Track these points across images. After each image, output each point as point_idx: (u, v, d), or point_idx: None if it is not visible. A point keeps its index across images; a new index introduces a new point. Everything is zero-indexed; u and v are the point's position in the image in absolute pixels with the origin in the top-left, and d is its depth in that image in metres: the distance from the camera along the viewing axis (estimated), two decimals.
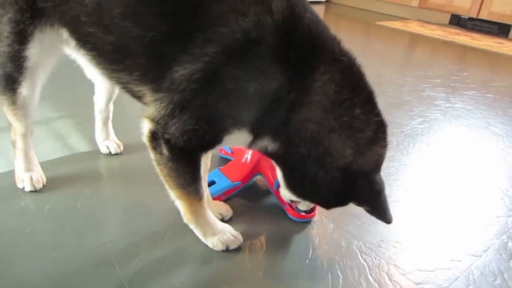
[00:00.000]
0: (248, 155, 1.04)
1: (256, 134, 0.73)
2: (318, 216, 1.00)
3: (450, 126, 1.64)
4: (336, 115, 0.70)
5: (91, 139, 1.27)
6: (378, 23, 3.88)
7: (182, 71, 0.67)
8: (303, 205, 0.94)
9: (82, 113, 1.44)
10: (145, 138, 0.76)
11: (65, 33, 0.80)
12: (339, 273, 0.83)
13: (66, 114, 1.43)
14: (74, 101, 1.54)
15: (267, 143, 0.74)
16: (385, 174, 1.21)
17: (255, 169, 1.03)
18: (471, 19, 3.86)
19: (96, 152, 1.20)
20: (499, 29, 3.71)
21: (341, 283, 0.80)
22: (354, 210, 1.03)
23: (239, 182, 1.01)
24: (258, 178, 1.08)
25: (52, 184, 1.02)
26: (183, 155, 0.75)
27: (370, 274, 0.83)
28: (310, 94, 0.68)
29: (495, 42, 3.40)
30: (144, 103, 0.76)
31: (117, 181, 1.09)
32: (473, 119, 1.74)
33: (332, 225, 0.97)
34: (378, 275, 0.83)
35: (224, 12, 0.65)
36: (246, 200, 1.04)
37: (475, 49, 3.16)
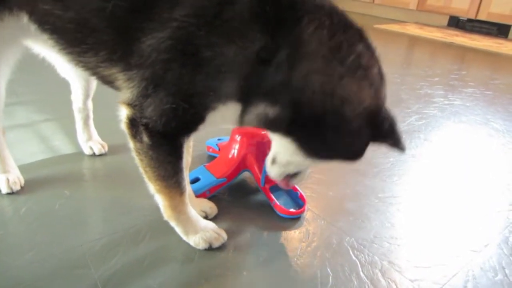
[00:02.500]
0: (235, 150, 1.00)
1: (247, 102, 0.64)
2: (309, 213, 0.95)
3: (448, 123, 1.60)
4: (340, 59, 0.62)
5: (76, 141, 1.24)
6: (376, 26, 3.86)
7: (150, 41, 0.60)
8: (297, 179, 0.84)
9: (68, 116, 1.40)
10: (123, 126, 0.70)
11: (25, 18, 0.71)
12: (329, 270, 0.78)
13: (52, 116, 1.40)
14: (60, 103, 1.51)
15: (265, 109, 0.64)
16: (380, 170, 1.17)
17: (242, 165, 0.99)
18: (469, 20, 3.83)
19: (80, 153, 1.16)
20: (498, 30, 3.68)
21: (330, 281, 0.75)
22: (346, 206, 0.98)
23: (225, 178, 0.97)
24: (245, 174, 1.03)
25: (31, 186, 0.98)
26: (163, 141, 0.69)
27: (362, 271, 0.78)
28: (303, 46, 0.61)
29: (495, 43, 3.36)
30: (118, 89, 0.69)
31: (99, 181, 1.04)
32: (472, 115, 1.69)
33: (323, 222, 0.92)
34: (371, 272, 0.78)
35: None
36: (233, 197, 0.99)
37: (475, 49, 3.12)
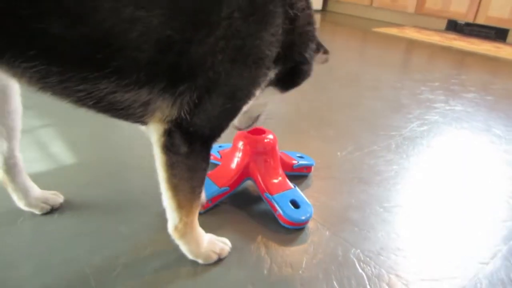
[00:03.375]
0: (238, 158, 0.98)
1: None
2: (313, 223, 0.93)
3: (450, 129, 1.59)
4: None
5: (74, 147, 1.21)
6: (374, 29, 3.86)
7: (202, 48, 0.57)
8: (243, 122, 0.91)
9: (67, 121, 1.39)
10: (157, 144, 0.65)
11: None
12: (335, 284, 0.76)
13: (51, 122, 1.38)
14: (60, 108, 1.49)
15: (273, 73, 0.72)
16: (384, 178, 1.15)
17: (245, 173, 0.97)
18: (468, 24, 3.83)
19: (79, 161, 1.14)
20: (496, 34, 3.69)
21: None
22: (350, 216, 0.97)
23: (227, 187, 0.95)
24: (248, 182, 1.01)
25: None
26: (202, 147, 0.67)
27: (369, 285, 0.76)
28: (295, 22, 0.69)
29: (493, 47, 3.37)
30: (131, 115, 0.61)
31: (99, 191, 1.02)
32: (474, 121, 1.68)
33: (327, 233, 0.90)
34: (378, 286, 0.76)
35: None
36: (235, 206, 0.97)
37: (473, 53, 3.13)
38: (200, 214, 0.92)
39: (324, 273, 0.78)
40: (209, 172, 0.99)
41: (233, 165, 0.98)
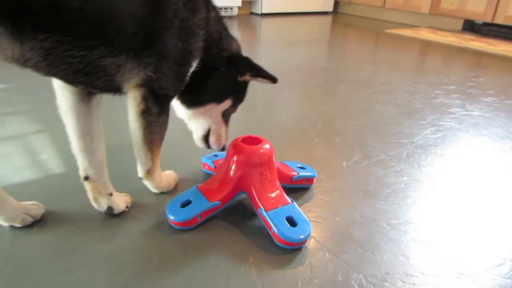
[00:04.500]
0: (231, 170, 0.90)
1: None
2: (312, 243, 0.84)
3: (467, 136, 1.47)
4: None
5: (64, 154, 1.16)
6: (387, 31, 3.74)
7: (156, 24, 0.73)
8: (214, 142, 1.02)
9: (60, 128, 1.34)
10: (135, 109, 0.80)
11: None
12: None
13: (44, 128, 1.33)
14: (54, 115, 1.44)
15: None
16: (393, 191, 1.06)
17: (238, 187, 0.89)
18: (486, 24, 3.68)
19: (64, 171, 1.08)
20: None
21: None
22: (354, 234, 0.88)
23: (219, 202, 0.87)
24: (242, 196, 0.93)
25: None
26: (168, 105, 0.85)
27: None
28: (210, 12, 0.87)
29: None
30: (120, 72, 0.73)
31: (83, 199, 0.96)
32: (493, 127, 1.56)
33: (327, 254, 0.82)
34: None
35: None
36: (227, 221, 0.89)
37: (492, 54, 2.98)
38: (188, 229, 0.85)
39: None
40: (200, 185, 0.92)
41: (225, 177, 0.90)
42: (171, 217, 0.85)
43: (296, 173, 1.01)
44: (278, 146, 1.22)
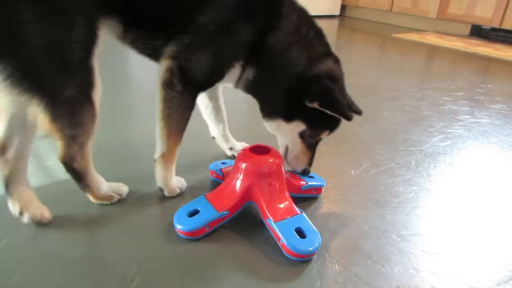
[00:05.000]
0: (239, 180, 0.89)
1: (244, 67, 0.91)
2: (321, 254, 0.83)
3: (476, 144, 1.46)
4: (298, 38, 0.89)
5: None
6: (394, 35, 3.73)
7: (204, 18, 0.84)
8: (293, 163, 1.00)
9: None
10: (161, 76, 0.87)
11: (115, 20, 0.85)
12: None
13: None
14: None
15: (248, 73, 0.91)
16: (402, 201, 1.05)
17: (246, 196, 0.88)
18: (493, 29, 3.66)
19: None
20: None
21: None
22: (363, 246, 0.87)
23: (227, 211, 0.87)
24: (250, 206, 0.93)
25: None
26: (192, 92, 0.90)
27: None
28: (277, 26, 0.88)
29: None
30: (165, 48, 0.87)
31: (89, 207, 0.95)
32: (503, 135, 1.54)
33: (336, 266, 0.80)
34: None
35: None
36: (235, 231, 0.88)
37: (500, 60, 2.96)
38: (196, 239, 0.85)
39: None
40: (207, 194, 0.91)
41: (234, 187, 0.89)
42: (179, 227, 0.84)
43: (304, 183, 1.00)
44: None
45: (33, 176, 1.07)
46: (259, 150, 0.93)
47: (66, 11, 0.72)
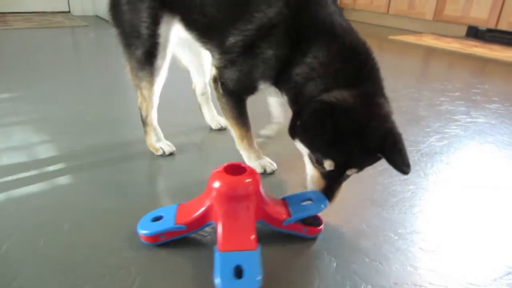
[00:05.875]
0: (206, 198, 0.83)
1: (277, 86, 0.98)
2: (319, 253, 0.84)
3: (473, 143, 1.47)
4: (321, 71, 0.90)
5: (71, 165, 1.17)
6: (391, 37, 3.75)
7: (232, 40, 0.98)
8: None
9: (66, 136, 1.35)
10: (210, 80, 1.10)
11: (176, 18, 1.11)
12: None
13: (50, 138, 1.34)
14: (61, 123, 1.46)
15: (284, 94, 0.97)
16: (399, 200, 1.06)
17: (207, 216, 0.82)
18: (489, 30, 3.68)
19: (70, 182, 1.09)
20: None
21: None
22: (361, 244, 0.88)
23: (184, 226, 0.83)
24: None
25: (15, 220, 0.91)
26: (231, 96, 1.05)
27: None
28: (304, 57, 0.91)
29: None
30: (213, 56, 1.08)
31: (91, 210, 0.96)
32: (499, 134, 1.56)
33: (334, 264, 0.81)
34: None
35: (259, 4, 0.94)
36: None
37: (496, 61, 2.98)
38: (153, 245, 0.84)
39: None
40: (181, 203, 0.89)
41: (198, 204, 0.84)
42: (138, 229, 0.84)
43: (286, 216, 0.86)
44: (284, 157, 1.23)
45: (34, 182, 1.08)
46: (236, 170, 0.84)
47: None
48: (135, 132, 1.38)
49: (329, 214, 0.99)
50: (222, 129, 1.46)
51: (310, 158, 0.91)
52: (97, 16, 3.95)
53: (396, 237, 0.91)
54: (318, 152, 0.86)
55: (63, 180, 1.09)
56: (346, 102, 0.82)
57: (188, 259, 0.81)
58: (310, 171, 0.93)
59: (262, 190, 0.84)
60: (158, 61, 1.13)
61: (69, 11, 3.98)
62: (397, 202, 1.05)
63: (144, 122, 1.23)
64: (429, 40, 3.61)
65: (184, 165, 1.21)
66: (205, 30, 1.07)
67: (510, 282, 0.79)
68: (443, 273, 0.81)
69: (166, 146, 1.26)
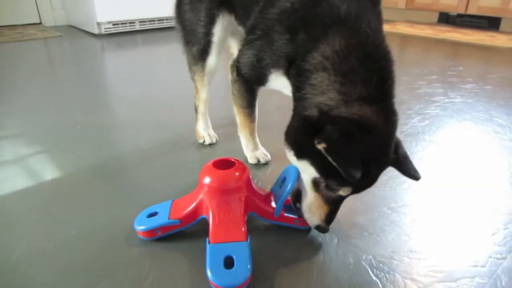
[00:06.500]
0: (197, 192, 0.86)
1: (288, 76, 0.91)
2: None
3: (452, 122, 1.56)
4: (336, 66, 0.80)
5: (69, 172, 1.18)
6: None
7: (254, 22, 0.97)
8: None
9: (59, 147, 1.35)
10: (230, 66, 1.34)
11: (231, 16, 1.17)
12: None
13: (42, 148, 1.32)
14: (51, 133, 1.45)
15: (291, 84, 0.90)
16: (389, 178, 1.12)
17: (199, 210, 0.85)
18: (460, 15, 3.82)
19: (69, 192, 1.11)
20: (489, 23, 3.67)
21: None
22: (358, 220, 0.94)
23: (178, 221, 0.85)
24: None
25: (18, 227, 0.93)
26: (243, 82, 1.05)
27: None
28: (317, 46, 0.82)
29: (487, 36, 3.35)
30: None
31: (85, 225, 0.99)
32: (475, 112, 1.65)
33: (336, 240, 0.87)
34: None
35: None
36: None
37: (468, 44, 3.11)
38: (149, 240, 0.87)
39: (336, 284, 0.75)
40: (175, 200, 0.92)
41: (191, 198, 0.87)
42: (134, 225, 0.88)
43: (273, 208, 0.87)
44: (278, 146, 1.28)
45: (33, 193, 1.09)
46: (226, 164, 0.86)
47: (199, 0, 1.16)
48: (122, 135, 1.40)
49: None
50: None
51: (314, 183, 0.80)
52: (70, 26, 3.88)
53: (390, 211, 0.97)
54: (335, 179, 0.74)
55: (62, 188, 1.10)
56: (372, 121, 0.74)
57: (201, 251, 0.85)
58: (311, 197, 0.82)
59: (253, 183, 0.86)
60: (210, 58, 1.21)
61: (40, 23, 3.86)
62: (387, 180, 1.12)
63: (196, 110, 1.35)
64: (403, 28, 3.73)
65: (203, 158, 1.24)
66: (242, 13, 1.11)
67: (496, 241, 0.87)
68: (434, 239, 0.88)
69: (208, 136, 1.34)
